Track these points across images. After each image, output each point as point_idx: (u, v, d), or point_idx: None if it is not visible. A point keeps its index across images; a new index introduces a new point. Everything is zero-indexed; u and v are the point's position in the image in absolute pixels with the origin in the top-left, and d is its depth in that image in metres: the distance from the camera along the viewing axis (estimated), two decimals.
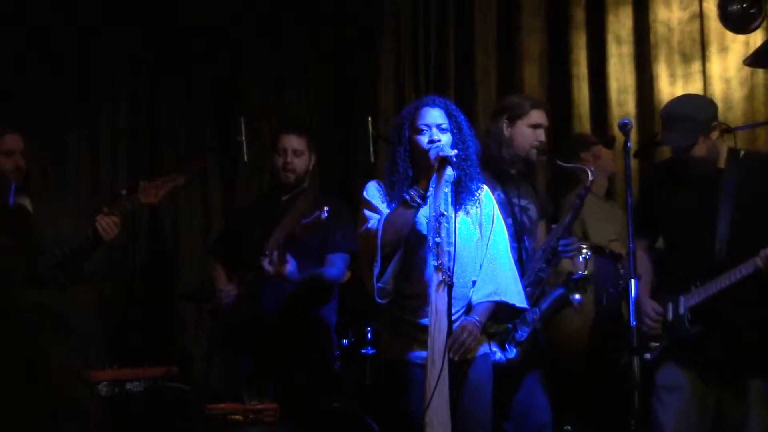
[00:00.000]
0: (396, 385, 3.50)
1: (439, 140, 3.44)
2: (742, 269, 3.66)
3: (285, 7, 6.13)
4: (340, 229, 4.50)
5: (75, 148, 5.65)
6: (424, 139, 3.45)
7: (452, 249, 3.35)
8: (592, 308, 4.76)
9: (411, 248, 3.46)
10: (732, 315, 3.76)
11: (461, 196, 3.49)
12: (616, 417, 4.36)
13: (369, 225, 3.47)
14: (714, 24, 5.17)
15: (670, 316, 3.88)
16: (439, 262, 3.38)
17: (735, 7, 4.85)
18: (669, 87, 5.33)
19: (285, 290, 4.47)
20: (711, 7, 5.17)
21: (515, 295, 3.56)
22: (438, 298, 3.35)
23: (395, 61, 5.98)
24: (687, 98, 4.17)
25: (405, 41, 5.98)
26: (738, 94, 5.18)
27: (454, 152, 3.38)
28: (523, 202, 4.12)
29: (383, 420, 4.17)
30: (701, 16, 5.29)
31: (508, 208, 3.98)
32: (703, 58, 5.28)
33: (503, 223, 3.65)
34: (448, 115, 3.51)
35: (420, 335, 3.40)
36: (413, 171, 3.48)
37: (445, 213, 3.43)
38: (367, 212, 3.51)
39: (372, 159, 5.21)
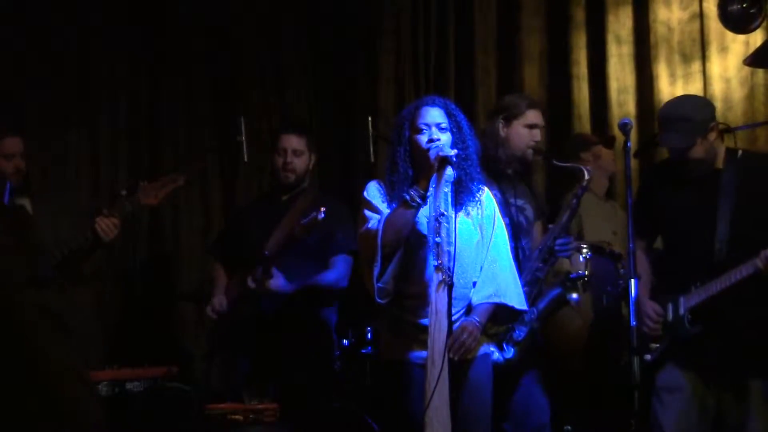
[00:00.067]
0: (396, 385, 3.50)
1: (438, 139, 3.44)
2: (742, 270, 3.66)
3: (285, 7, 6.13)
4: (340, 229, 4.50)
5: (75, 148, 5.64)
6: (423, 139, 3.45)
7: (452, 249, 3.35)
8: (592, 308, 4.75)
9: (411, 248, 3.46)
10: (732, 315, 3.76)
11: (461, 196, 3.49)
12: (616, 417, 4.36)
13: (369, 225, 3.47)
14: (714, 24, 5.17)
15: (670, 316, 3.88)
16: (439, 262, 3.38)
17: (735, 7, 4.85)
18: (669, 87, 5.34)
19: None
20: (711, 7, 5.17)
21: (515, 297, 3.56)
22: (438, 298, 3.35)
23: (395, 61, 5.98)
24: (685, 99, 4.17)
25: (405, 41, 5.97)
26: (738, 94, 5.18)
27: (454, 152, 3.38)
28: (520, 202, 4.13)
29: (383, 420, 4.17)
30: (701, 16, 5.29)
31: (504, 208, 3.98)
32: (703, 58, 5.28)
33: (504, 225, 3.65)
34: (448, 114, 3.51)
35: (420, 335, 3.40)
36: (413, 171, 3.48)
37: (445, 213, 3.43)
38: (367, 212, 3.51)
39: (372, 159, 5.21)
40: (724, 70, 5.21)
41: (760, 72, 5.09)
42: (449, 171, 3.41)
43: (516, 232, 4.02)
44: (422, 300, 3.41)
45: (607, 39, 5.53)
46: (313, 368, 4.51)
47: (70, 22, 5.60)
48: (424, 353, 3.37)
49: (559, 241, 4.07)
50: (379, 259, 3.40)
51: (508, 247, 3.66)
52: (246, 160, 5.05)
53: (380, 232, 3.41)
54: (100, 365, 4.51)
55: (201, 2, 5.97)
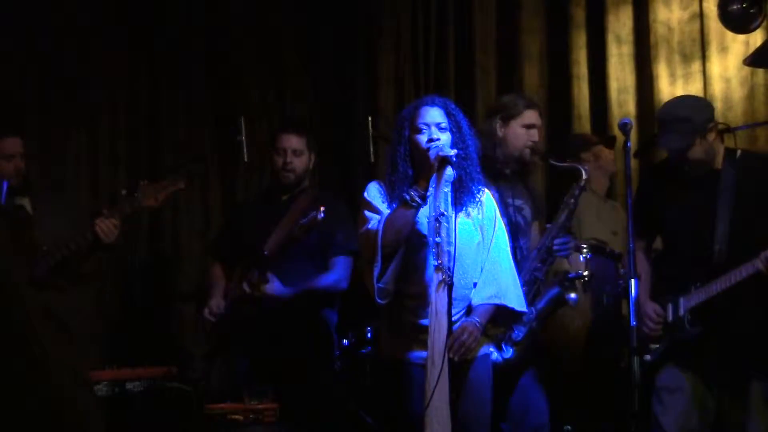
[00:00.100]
0: (396, 385, 3.50)
1: (438, 139, 3.44)
2: (742, 270, 3.66)
3: (285, 6, 6.13)
4: (340, 229, 4.50)
5: (75, 148, 5.64)
6: (423, 138, 3.45)
7: (452, 249, 3.35)
8: (592, 308, 4.75)
9: (411, 248, 3.46)
10: (732, 316, 3.76)
11: (462, 196, 3.49)
12: (617, 417, 4.36)
13: (369, 225, 3.47)
14: (714, 24, 5.17)
15: (670, 317, 3.88)
16: (439, 262, 3.38)
17: (735, 7, 4.85)
18: (669, 87, 5.34)
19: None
20: (711, 7, 5.18)
21: (515, 299, 3.56)
22: (438, 298, 3.35)
23: (395, 61, 5.97)
24: (684, 100, 4.17)
25: (405, 41, 5.97)
26: (738, 93, 5.18)
27: (453, 152, 3.38)
28: (518, 202, 4.13)
29: (383, 420, 4.17)
30: (701, 16, 5.30)
31: (502, 208, 3.98)
32: (703, 58, 5.28)
33: (504, 226, 3.65)
34: (448, 114, 3.51)
35: (420, 335, 3.40)
36: (413, 170, 3.48)
37: (445, 213, 3.42)
38: (367, 213, 3.51)
39: (372, 159, 5.21)
40: (724, 70, 5.21)
41: (760, 72, 5.10)
42: (449, 171, 3.41)
43: (514, 232, 4.02)
44: (422, 300, 3.41)
45: (607, 39, 5.53)
46: (313, 368, 4.51)
47: (69, 22, 5.60)
48: (424, 353, 3.37)
49: (557, 241, 4.07)
50: (379, 259, 3.40)
51: (509, 248, 3.66)
52: (246, 160, 5.04)
53: (380, 233, 3.40)
54: (100, 365, 4.51)
55: (201, 2, 5.97)
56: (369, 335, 4.84)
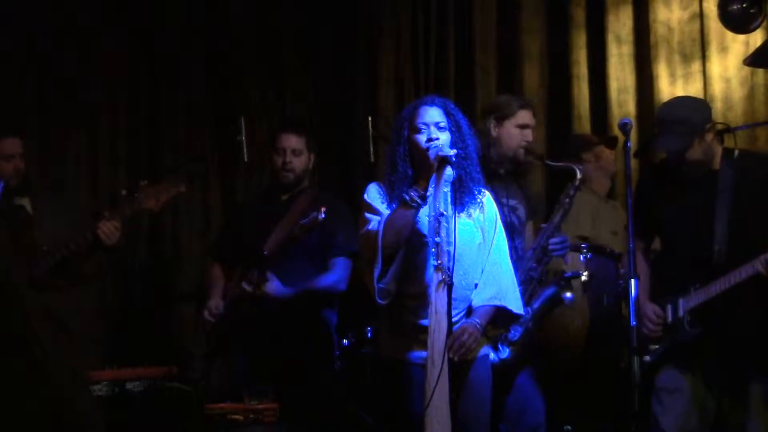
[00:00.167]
0: (396, 385, 3.49)
1: (437, 138, 3.43)
2: (742, 272, 3.66)
3: (285, 6, 6.13)
4: (340, 229, 4.50)
5: (75, 148, 5.64)
6: (422, 138, 3.45)
7: (452, 249, 3.35)
8: (592, 308, 4.75)
9: (412, 248, 3.46)
10: (731, 317, 3.76)
11: (462, 196, 3.49)
12: (616, 417, 4.36)
13: (370, 227, 3.46)
14: (714, 24, 5.17)
15: (669, 318, 3.88)
16: (439, 262, 3.38)
17: (735, 7, 4.85)
18: (669, 87, 5.34)
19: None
20: (711, 7, 5.18)
21: (514, 301, 3.56)
22: (438, 298, 3.35)
23: (395, 61, 5.97)
24: (681, 101, 4.17)
25: (405, 41, 5.97)
26: (738, 93, 5.18)
27: (453, 152, 3.38)
28: (512, 202, 4.14)
29: (383, 420, 4.17)
30: (701, 16, 5.30)
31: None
32: (703, 58, 5.28)
33: (504, 228, 3.65)
34: (447, 113, 3.50)
35: (420, 335, 3.40)
36: (412, 170, 3.48)
37: (445, 213, 3.42)
38: (367, 215, 3.51)
39: (372, 159, 5.21)
40: (724, 70, 5.21)
41: (760, 72, 5.10)
42: (449, 171, 3.40)
43: (509, 233, 4.02)
44: (422, 300, 3.41)
45: (607, 39, 5.53)
46: (313, 368, 4.51)
47: (69, 22, 5.60)
48: (424, 353, 3.37)
49: (552, 241, 4.08)
50: (380, 260, 3.40)
51: (508, 250, 3.66)
52: (246, 160, 5.04)
53: (380, 234, 3.40)
54: (100, 365, 4.51)
55: (201, 2, 5.97)
56: (369, 335, 4.84)
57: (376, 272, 3.40)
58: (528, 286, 4.01)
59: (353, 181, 5.68)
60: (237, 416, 4.10)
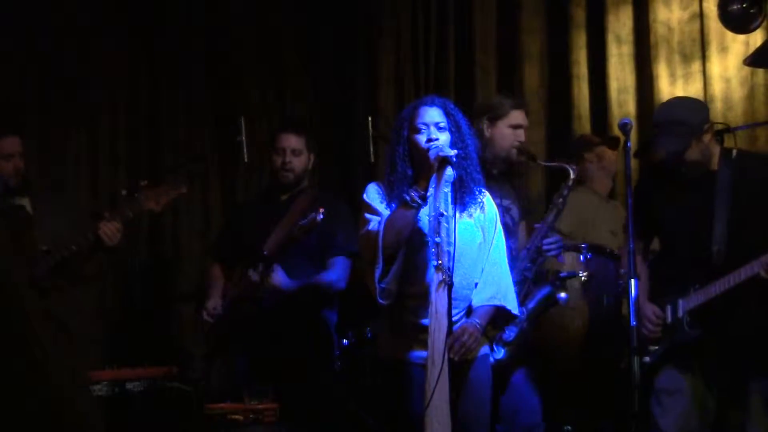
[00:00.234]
0: (396, 384, 3.49)
1: (437, 138, 3.43)
2: (741, 273, 3.65)
3: (285, 6, 6.13)
4: (340, 229, 4.50)
5: (75, 148, 5.64)
6: (422, 138, 3.45)
7: (452, 249, 3.35)
8: (591, 308, 4.75)
9: (412, 248, 3.46)
10: (731, 318, 3.75)
11: (463, 196, 3.49)
12: (616, 418, 4.36)
13: (370, 227, 3.46)
14: (714, 24, 5.17)
15: (669, 319, 3.88)
16: (439, 262, 3.38)
17: (735, 7, 4.85)
18: (669, 87, 5.34)
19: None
20: (711, 7, 5.18)
21: (512, 301, 3.57)
22: (438, 298, 3.35)
23: (395, 61, 5.97)
24: (679, 102, 4.16)
25: (405, 41, 5.97)
26: (738, 93, 5.18)
27: (454, 152, 3.38)
28: (506, 202, 4.14)
29: (383, 420, 4.17)
30: (701, 16, 5.30)
31: None
32: (703, 58, 5.28)
33: (503, 229, 3.66)
34: (447, 114, 3.50)
35: (420, 335, 3.40)
36: (412, 170, 3.48)
37: (445, 213, 3.42)
38: (367, 215, 3.51)
39: (372, 159, 5.21)
40: (724, 70, 5.21)
41: (760, 72, 5.10)
42: (449, 171, 3.40)
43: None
44: (423, 300, 3.41)
45: (607, 39, 5.53)
46: (313, 368, 4.51)
47: (69, 22, 5.60)
48: (424, 353, 3.37)
49: (546, 241, 4.09)
50: (380, 260, 3.40)
51: (507, 250, 3.66)
52: (246, 160, 5.04)
53: (381, 234, 3.40)
54: (100, 365, 4.51)
55: (201, 2, 5.97)
56: (369, 335, 4.84)
57: (378, 272, 3.40)
58: (522, 286, 4.01)
59: (353, 181, 5.68)
60: (237, 416, 4.10)
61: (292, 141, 4.62)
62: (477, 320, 3.47)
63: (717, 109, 5.14)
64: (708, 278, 3.75)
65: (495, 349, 3.90)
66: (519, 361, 4.01)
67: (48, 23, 5.52)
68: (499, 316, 3.57)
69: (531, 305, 4.04)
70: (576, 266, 4.54)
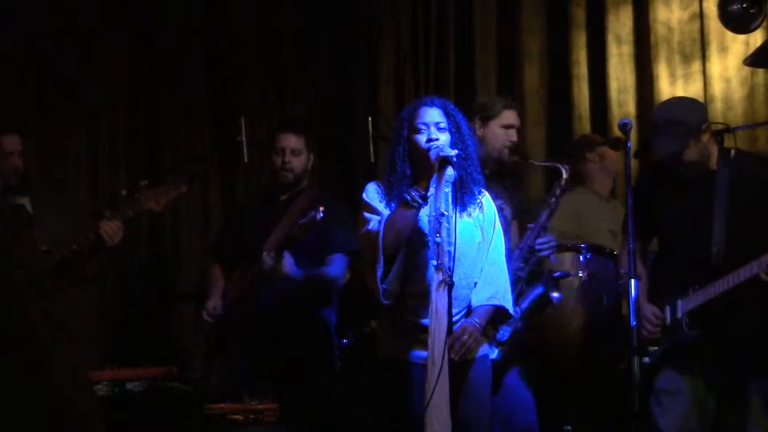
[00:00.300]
0: (396, 384, 3.49)
1: (437, 139, 3.43)
2: (740, 274, 3.65)
3: (285, 6, 6.13)
4: (339, 228, 4.50)
5: (75, 148, 5.64)
6: (422, 138, 3.45)
7: (452, 249, 3.35)
8: (591, 308, 4.75)
9: (412, 248, 3.45)
10: (730, 318, 3.75)
11: (463, 196, 3.49)
12: (616, 418, 4.36)
13: (370, 227, 3.46)
14: (714, 24, 5.17)
15: (668, 319, 3.87)
16: (440, 261, 3.38)
17: (735, 7, 4.84)
18: (669, 87, 5.34)
19: (285, 290, 4.47)
20: (711, 7, 5.17)
21: (509, 301, 3.57)
22: (438, 298, 3.35)
23: (395, 61, 5.98)
24: (677, 102, 4.16)
25: (405, 41, 5.97)
26: (738, 94, 5.18)
27: (454, 152, 3.38)
28: (498, 203, 4.13)
29: (383, 420, 4.17)
30: (701, 16, 5.30)
31: None
32: (703, 58, 5.28)
33: (502, 229, 3.66)
34: (447, 114, 3.50)
35: (421, 335, 3.39)
36: (411, 170, 3.48)
37: (446, 213, 3.42)
38: (367, 214, 3.50)
39: (372, 159, 5.21)
40: (724, 70, 5.21)
41: (760, 72, 5.09)
42: (450, 171, 3.40)
43: None
44: (423, 300, 3.40)
45: (607, 39, 5.53)
46: (313, 368, 4.51)
47: (69, 22, 5.60)
48: (424, 353, 3.36)
49: (539, 241, 4.10)
50: (381, 260, 3.40)
51: (505, 250, 3.67)
52: (246, 160, 5.04)
53: (381, 234, 3.40)
54: (100, 365, 4.51)
55: (201, 2, 5.97)
56: (369, 335, 4.84)
57: (379, 272, 3.40)
58: (515, 286, 4.01)
59: (353, 181, 5.68)
60: (237, 416, 4.10)
61: (291, 141, 4.62)
62: (477, 320, 3.46)
63: (717, 109, 5.15)
64: (707, 279, 3.75)
65: (489, 349, 3.90)
66: (512, 361, 4.01)
67: (48, 23, 5.52)
68: (497, 315, 3.57)
69: (524, 305, 4.04)
70: (575, 266, 4.54)
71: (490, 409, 3.59)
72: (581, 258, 4.59)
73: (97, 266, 4.45)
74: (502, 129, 4.19)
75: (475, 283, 3.51)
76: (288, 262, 4.37)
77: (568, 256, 4.62)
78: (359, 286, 3.66)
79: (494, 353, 3.89)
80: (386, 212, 3.46)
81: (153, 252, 5.82)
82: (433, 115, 3.48)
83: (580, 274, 4.50)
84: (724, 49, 5.21)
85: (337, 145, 6.02)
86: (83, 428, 2.76)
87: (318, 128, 5.81)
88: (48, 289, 4.16)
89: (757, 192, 3.80)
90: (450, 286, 3.31)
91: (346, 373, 4.85)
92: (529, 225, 4.16)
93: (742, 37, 5.09)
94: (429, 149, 3.39)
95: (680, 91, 5.22)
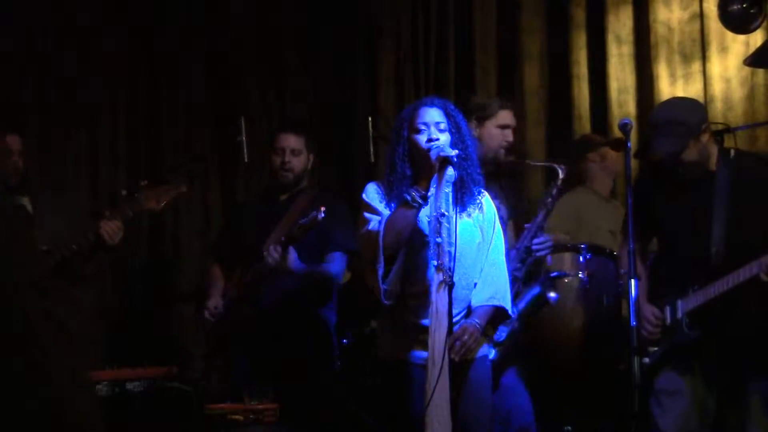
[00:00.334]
0: (397, 384, 3.49)
1: (437, 139, 3.43)
2: (740, 274, 3.64)
3: (285, 6, 6.13)
4: (338, 228, 4.50)
5: (75, 148, 5.64)
6: (422, 138, 3.45)
7: (453, 249, 3.35)
8: (591, 308, 4.75)
9: (413, 249, 3.45)
10: (730, 319, 3.75)
11: (463, 196, 3.49)
12: (616, 418, 4.36)
13: (370, 227, 3.46)
14: (714, 24, 5.17)
15: (668, 320, 3.87)
16: (440, 262, 3.38)
17: (735, 7, 4.84)
18: (669, 87, 5.34)
19: (284, 289, 4.47)
20: (711, 7, 5.17)
21: (509, 302, 3.58)
22: (439, 298, 3.35)
23: (395, 61, 5.98)
24: (676, 102, 4.16)
25: (405, 41, 5.97)
26: (738, 94, 5.18)
27: (455, 152, 3.38)
28: (495, 203, 4.14)
29: (383, 420, 4.17)
30: (701, 16, 5.30)
31: None
32: (703, 58, 5.28)
33: (502, 229, 3.66)
34: (447, 115, 3.50)
35: (421, 336, 3.39)
36: (411, 170, 3.48)
37: (446, 213, 3.42)
38: (367, 214, 3.50)
39: (372, 159, 5.21)
40: (724, 70, 5.21)
41: (761, 72, 5.09)
42: (450, 171, 3.40)
43: None
44: (423, 300, 3.40)
45: (607, 39, 5.53)
46: (313, 368, 4.51)
47: (69, 22, 5.60)
48: (424, 353, 3.36)
49: (536, 241, 4.10)
50: (381, 260, 3.39)
51: (505, 251, 3.67)
52: (246, 160, 5.04)
53: (381, 234, 3.40)
54: (100, 365, 4.51)
55: (201, 2, 5.97)
56: (369, 335, 4.84)
57: (380, 272, 3.39)
58: (512, 286, 4.01)
59: (353, 181, 5.68)
60: (237, 416, 4.10)
61: (291, 141, 4.62)
62: (477, 320, 3.46)
63: (717, 109, 5.15)
64: (707, 279, 3.75)
65: (488, 349, 3.90)
66: (509, 362, 4.00)
67: (48, 23, 5.51)
68: (497, 316, 3.57)
69: (521, 306, 4.04)
70: (575, 267, 4.54)
71: (491, 409, 3.59)
72: (581, 258, 4.59)
73: (97, 266, 4.45)
74: (498, 129, 4.19)
75: (475, 284, 3.51)
76: (292, 257, 4.37)
77: (567, 257, 4.62)
78: (359, 286, 3.66)
79: (491, 354, 3.89)
80: (386, 212, 3.46)
81: (153, 252, 5.82)
82: (433, 115, 3.48)
83: (580, 275, 4.50)
84: (724, 50, 5.21)
85: (337, 145, 6.02)
86: (83, 428, 2.76)
87: (318, 128, 5.81)
88: (48, 289, 4.16)
89: (757, 192, 3.80)
90: (450, 286, 3.31)
91: (346, 373, 4.85)
92: (526, 225, 4.16)
93: (742, 37, 5.09)
94: (429, 149, 3.39)
95: (680, 92, 5.22)
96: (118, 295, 5.67)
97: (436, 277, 3.37)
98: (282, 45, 6.10)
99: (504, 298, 3.53)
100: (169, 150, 5.86)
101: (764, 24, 4.87)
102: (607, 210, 5.06)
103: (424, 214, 3.44)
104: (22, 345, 2.83)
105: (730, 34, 5.10)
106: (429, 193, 3.40)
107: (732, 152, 3.88)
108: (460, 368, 3.42)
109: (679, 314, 3.83)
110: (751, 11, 4.80)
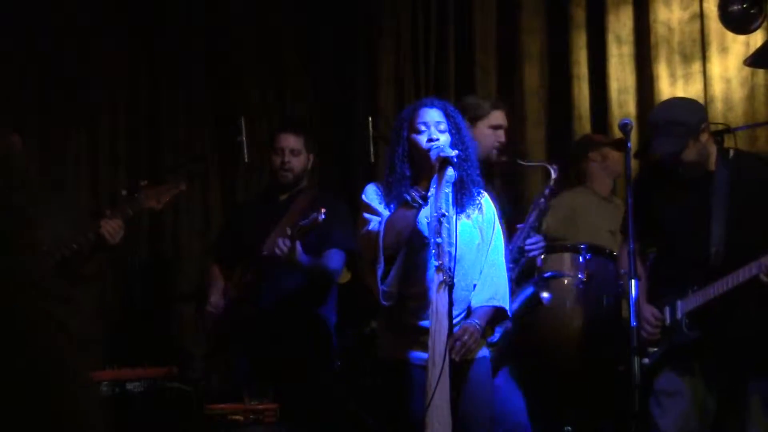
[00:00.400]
0: (397, 385, 3.49)
1: (437, 139, 3.43)
2: (740, 274, 3.64)
3: (285, 6, 6.13)
4: (337, 228, 4.50)
5: (75, 148, 5.64)
6: (422, 138, 3.45)
7: (453, 250, 3.35)
8: (591, 309, 4.75)
9: (412, 249, 3.46)
10: (730, 319, 3.75)
11: (462, 197, 3.49)
12: (616, 418, 4.36)
13: (370, 227, 3.46)
14: (714, 24, 5.17)
15: (667, 320, 3.87)
16: (440, 262, 3.38)
17: (735, 8, 4.84)
18: (669, 87, 5.34)
19: (284, 289, 4.47)
20: (711, 7, 5.17)
21: (508, 302, 3.58)
22: (439, 299, 3.34)
23: (395, 61, 5.98)
24: (675, 102, 4.16)
25: (405, 41, 5.97)
26: (738, 94, 5.18)
27: (455, 153, 3.37)
28: None
29: (383, 420, 4.17)
30: (701, 16, 5.30)
31: None
32: (704, 59, 5.28)
33: (501, 230, 3.66)
34: (447, 115, 3.50)
35: (421, 337, 3.39)
36: (411, 171, 3.47)
37: (446, 213, 3.42)
38: (366, 215, 3.50)
39: (372, 159, 5.21)
40: (724, 70, 5.21)
41: (761, 72, 5.10)
42: (450, 172, 3.40)
43: None
44: (423, 301, 3.40)
45: (607, 39, 5.53)
46: (313, 368, 4.51)
47: (69, 22, 5.60)
48: (424, 355, 3.36)
49: (528, 241, 4.10)
50: (381, 261, 3.39)
51: (504, 251, 3.66)
52: (246, 160, 5.04)
53: (381, 234, 3.40)
54: (100, 365, 4.51)
55: (201, 2, 5.97)
56: (369, 335, 4.84)
57: (379, 273, 3.39)
58: None
59: (353, 181, 5.68)
60: (237, 416, 4.10)
61: (290, 141, 4.62)
62: (477, 321, 3.46)
63: (717, 109, 5.15)
64: (706, 279, 3.75)
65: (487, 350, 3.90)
66: (503, 362, 4.00)
67: (48, 23, 5.51)
68: (496, 316, 3.57)
69: (515, 306, 4.03)
70: (574, 267, 4.54)
71: (491, 410, 3.59)
72: (581, 258, 4.59)
73: (97, 266, 4.44)
74: (490, 129, 4.18)
75: (474, 285, 3.51)
76: (298, 250, 4.37)
77: (567, 257, 4.62)
78: (359, 286, 3.66)
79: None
80: (386, 213, 3.46)
81: (153, 252, 5.82)
82: (433, 115, 3.48)
83: (580, 275, 4.50)
84: (724, 50, 5.21)
85: (337, 145, 6.02)
86: (83, 428, 2.76)
87: (318, 128, 5.81)
88: (48, 289, 4.16)
89: (757, 192, 3.80)
90: (451, 287, 3.31)
91: (346, 373, 4.85)
92: (519, 225, 4.16)
93: (742, 37, 5.09)
94: (429, 149, 3.39)
95: (680, 92, 5.22)
96: (118, 295, 5.67)
97: (436, 278, 3.37)
98: (282, 45, 6.10)
99: (504, 298, 3.54)
100: (169, 150, 5.86)
101: (764, 24, 4.87)
102: (606, 210, 5.06)
103: (424, 215, 3.44)
104: (22, 345, 2.83)
105: (730, 35, 5.10)
106: (429, 194, 3.40)
107: (731, 152, 3.88)
108: (460, 368, 3.42)
109: (679, 315, 3.83)
110: (752, 11, 4.80)
